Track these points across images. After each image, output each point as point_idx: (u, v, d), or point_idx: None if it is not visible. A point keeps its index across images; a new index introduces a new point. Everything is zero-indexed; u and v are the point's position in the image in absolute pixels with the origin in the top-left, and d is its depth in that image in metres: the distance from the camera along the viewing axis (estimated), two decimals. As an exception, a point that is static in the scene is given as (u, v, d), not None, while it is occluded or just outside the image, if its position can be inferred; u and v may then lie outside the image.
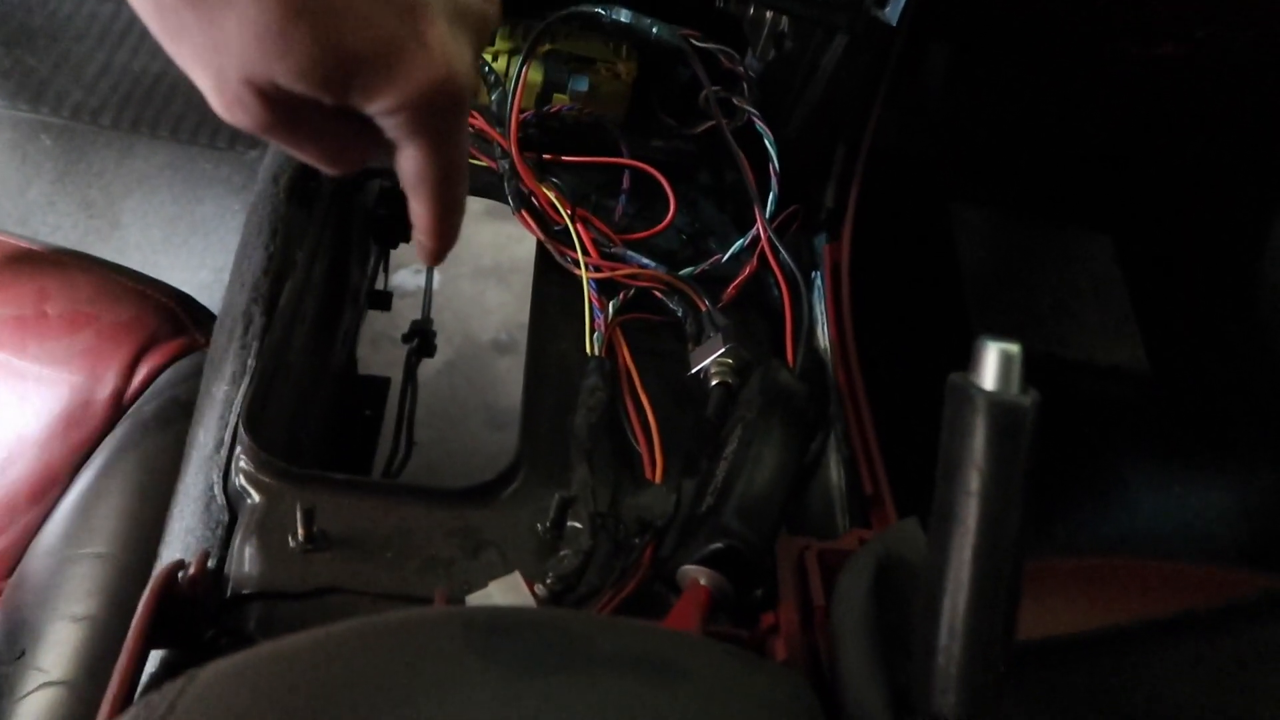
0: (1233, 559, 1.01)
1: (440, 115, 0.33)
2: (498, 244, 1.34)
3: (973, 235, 1.17)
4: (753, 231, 0.62)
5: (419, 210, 0.36)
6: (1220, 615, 0.45)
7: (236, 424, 0.48)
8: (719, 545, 0.43)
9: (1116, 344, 1.12)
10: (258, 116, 0.32)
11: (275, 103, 0.31)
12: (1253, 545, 1.01)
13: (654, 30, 0.64)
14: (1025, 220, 1.20)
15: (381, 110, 0.32)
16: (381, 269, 0.85)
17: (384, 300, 0.86)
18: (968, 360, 0.30)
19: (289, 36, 0.29)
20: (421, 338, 0.85)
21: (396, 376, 0.86)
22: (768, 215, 0.61)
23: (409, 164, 0.34)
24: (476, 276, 1.32)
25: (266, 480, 0.46)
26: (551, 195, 0.60)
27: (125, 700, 0.35)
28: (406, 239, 0.82)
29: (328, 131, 0.34)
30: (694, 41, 0.65)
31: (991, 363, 0.29)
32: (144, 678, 0.39)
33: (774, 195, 0.62)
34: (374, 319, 0.91)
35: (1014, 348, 0.29)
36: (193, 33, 0.30)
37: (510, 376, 1.22)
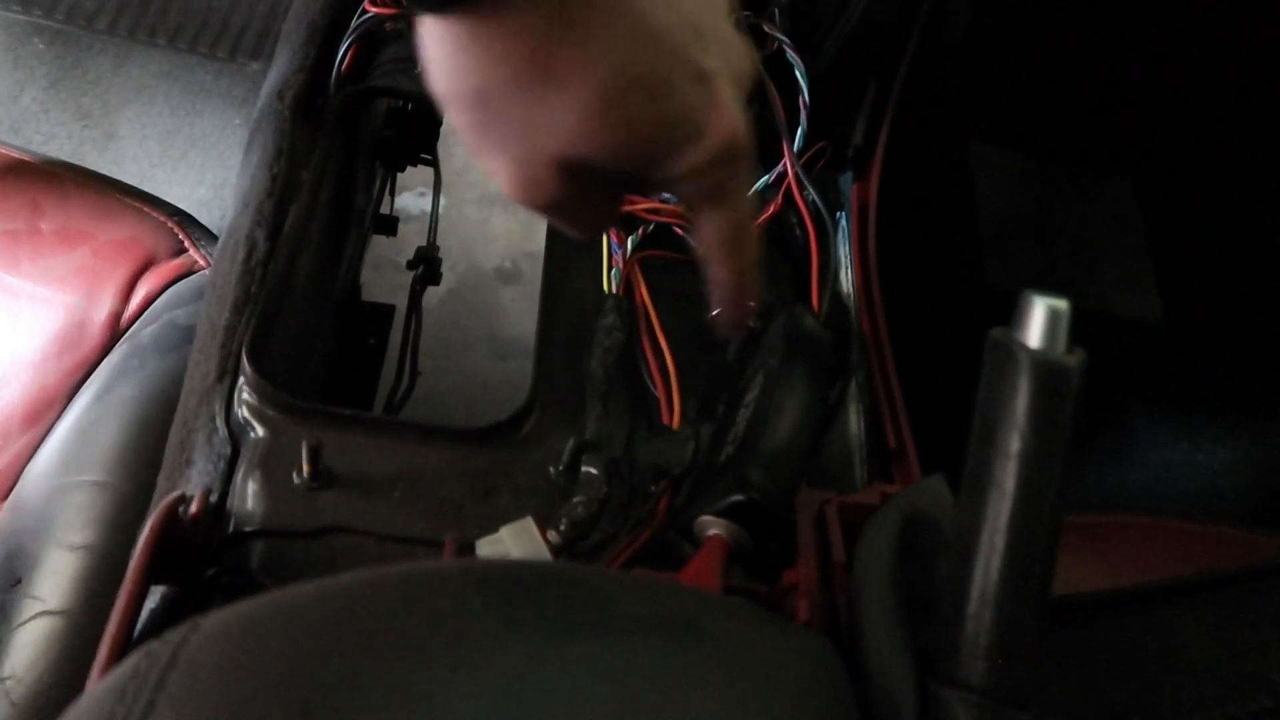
0: (1238, 516, 1.00)
1: (731, 171, 0.34)
2: (505, 169, 1.30)
3: (993, 177, 1.14)
4: (778, 168, 0.59)
5: (721, 274, 0.37)
6: (1239, 578, 0.45)
7: (239, 354, 0.46)
8: (740, 498, 0.42)
9: (1132, 294, 1.10)
10: (552, 195, 0.33)
11: (573, 181, 0.33)
12: (1258, 503, 1.01)
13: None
14: (1047, 161, 1.17)
15: (681, 173, 0.33)
16: (387, 192, 0.83)
17: (389, 225, 0.83)
18: (982, 309, 0.29)
19: (613, 113, 0.31)
20: (427, 265, 0.82)
21: (398, 302, 0.84)
22: (795, 151, 0.59)
23: (709, 228, 0.36)
24: (482, 203, 1.29)
25: (270, 414, 0.44)
26: (570, 122, 0.57)
27: (124, 640, 0.34)
28: (413, 162, 0.79)
29: (602, 206, 0.36)
30: (725, -38, 0.61)
31: (1038, 319, 0.27)
32: (143, 613, 0.38)
33: (802, 130, 0.59)
34: (375, 243, 0.89)
35: (1062, 304, 0.28)
36: (510, 117, 0.31)
37: (515, 306, 1.20)
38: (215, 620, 0.27)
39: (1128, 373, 1.06)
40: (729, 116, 0.33)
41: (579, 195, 0.34)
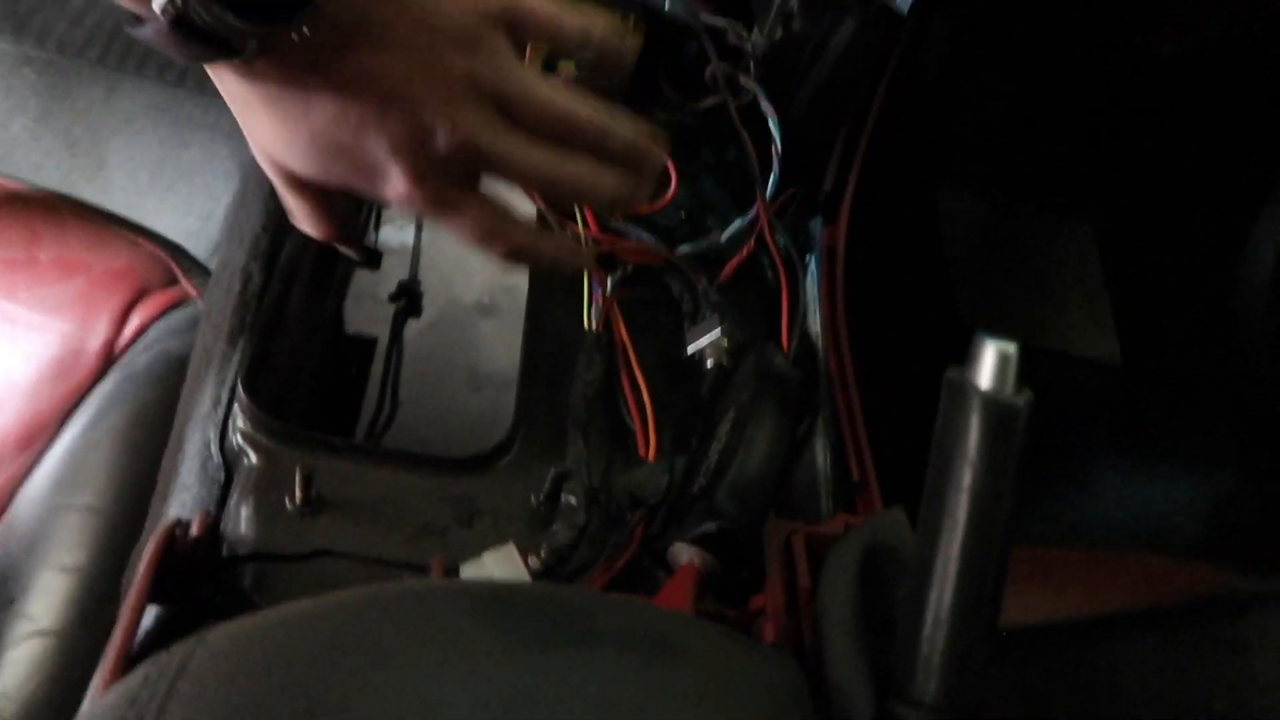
0: (1190, 552, 1.03)
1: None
2: (485, 204, 1.32)
3: (959, 220, 1.17)
4: (752, 212, 0.62)
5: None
6: (1180, 611, 0.47)
7: (234, 382, 0.48)
8: (711, 527, 0.44)
9: (1092, 335, 1.13)
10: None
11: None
12: (1211, 539, 1.03)
13: (666, 3, 0.64)
14: (1011, 206, 1.21)
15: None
16: (372, 225, 0.84)
17: (375, 258, 0.85)
18: (952, 347, 0.31)
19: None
20: (409, 298, 0.84)
21: (377, 333, 0.85)
22: (768, 196, 0.61)
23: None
24: (462, 236, 1.30)
25: (264, 441, 0.46)
26: (554, 165, 0.60)
27: (127, 657, 0.36)
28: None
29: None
30: (703, 16, 0.64)
31: (988, 361, 0.29)
32: (139, 634, 0.40)
33: (775, 176, 0.62)
34: (355, 275, 0.90)
35: (1011, 348, 0.30)
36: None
37: (493, 339, 1.22)
38: (219, 634, 0.29)
39: (1085, 410, 1.09)
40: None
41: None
